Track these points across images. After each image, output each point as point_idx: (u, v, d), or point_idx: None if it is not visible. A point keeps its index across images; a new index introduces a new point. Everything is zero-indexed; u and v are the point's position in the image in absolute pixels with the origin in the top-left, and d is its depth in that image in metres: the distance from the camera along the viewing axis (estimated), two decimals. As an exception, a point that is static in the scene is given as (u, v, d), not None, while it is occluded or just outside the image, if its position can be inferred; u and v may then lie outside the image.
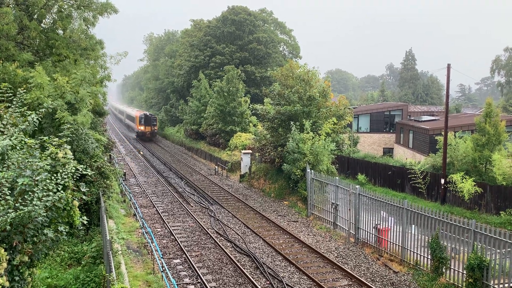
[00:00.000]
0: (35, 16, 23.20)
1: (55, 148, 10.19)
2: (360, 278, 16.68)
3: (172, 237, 21.45)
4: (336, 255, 19.56)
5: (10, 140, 9.35)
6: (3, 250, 8.07)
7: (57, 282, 13.32)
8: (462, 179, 26.96)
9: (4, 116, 10.57)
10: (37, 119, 10.85)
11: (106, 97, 30.10)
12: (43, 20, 23.81)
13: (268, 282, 16.26)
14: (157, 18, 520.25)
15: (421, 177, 30.33)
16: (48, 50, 23.06)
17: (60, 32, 23.75)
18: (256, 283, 15.84)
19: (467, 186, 26.32)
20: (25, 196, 8.73)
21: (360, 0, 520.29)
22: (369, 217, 20.38)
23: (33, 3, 22.15)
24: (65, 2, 23.43)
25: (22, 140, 9.75)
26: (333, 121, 31.21)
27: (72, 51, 23.05)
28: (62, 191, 9.13)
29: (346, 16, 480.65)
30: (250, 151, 38.66)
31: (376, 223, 19.93)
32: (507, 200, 25.28)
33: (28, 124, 10.67)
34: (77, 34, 23.18)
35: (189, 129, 60.98)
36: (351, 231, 21.67)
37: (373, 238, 20.08)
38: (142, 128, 70.31)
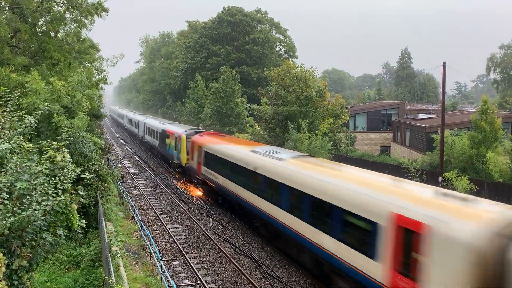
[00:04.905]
0: (29, 20, 23.13)
1: (54, 152, 10.20)
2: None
3: (170, 238, 21.43)
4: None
5: (9, 143, 9.34)
6: (1, 254, 8.05)
7: (56, 286, 13.29)
8: (457, 176, 27.03)
9: (1, 119, 10.56)
10: (34, 121, 10.87)
11: (102, 100, 30.11)
12: (37, 24, 23.72)
13: (268, 282, 16.30)
14: (151, 19, 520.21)
15: (416, 175, 30.45)
16: (42, 54, 23.00)
17: (52, 35, 23.64)
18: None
19: (462, 183, 26.41)
20: (23, 200, 8.72)
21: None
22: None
23: (25, 6, 22.09)
24: (55, 3, 23.30)
25: (20, 144, 9.74)
26: (329, 121, 31.32)
27: (65, 54, 22.92)
28: (60, 195, 9.12)
29: (342, 15, 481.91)
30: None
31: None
32: (504, 196, 25.43)
33: (26, 127, 10.67)
34: (71, 37, 23.10)
35: (186, 130, 61.09)
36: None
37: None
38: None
